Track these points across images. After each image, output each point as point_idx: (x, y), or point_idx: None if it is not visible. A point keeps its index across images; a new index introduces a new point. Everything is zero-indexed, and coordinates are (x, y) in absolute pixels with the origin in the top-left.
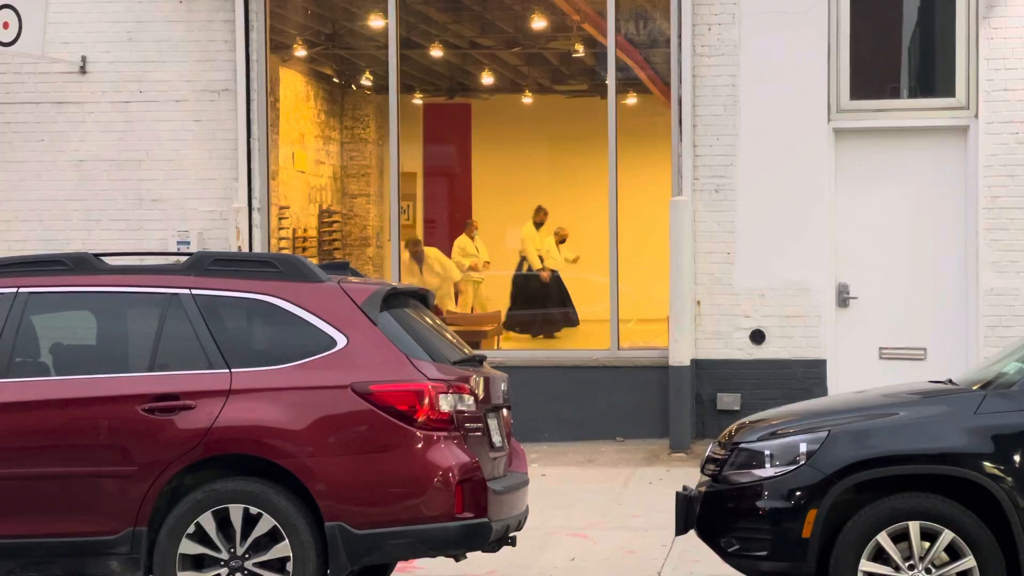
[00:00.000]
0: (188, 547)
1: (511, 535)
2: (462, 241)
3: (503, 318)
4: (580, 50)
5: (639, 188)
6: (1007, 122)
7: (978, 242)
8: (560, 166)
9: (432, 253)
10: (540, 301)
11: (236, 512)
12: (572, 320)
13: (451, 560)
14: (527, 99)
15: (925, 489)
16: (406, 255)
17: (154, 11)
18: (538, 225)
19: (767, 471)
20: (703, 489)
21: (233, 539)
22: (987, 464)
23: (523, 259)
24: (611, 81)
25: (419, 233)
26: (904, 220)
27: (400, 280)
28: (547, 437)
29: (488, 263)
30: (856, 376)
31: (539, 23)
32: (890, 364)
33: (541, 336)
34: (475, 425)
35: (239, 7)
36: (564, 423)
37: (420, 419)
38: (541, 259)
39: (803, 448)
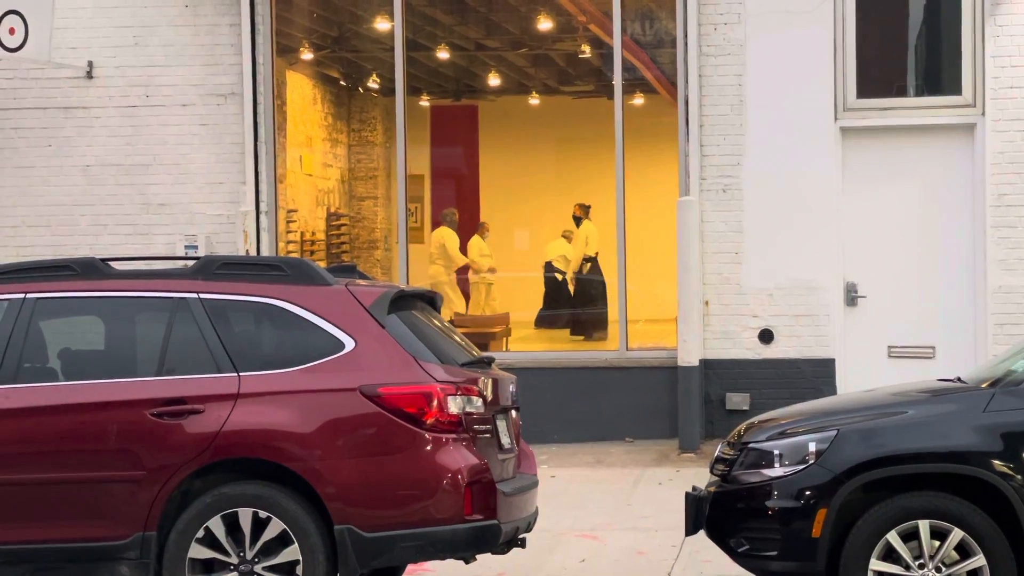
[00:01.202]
0: (198, 551)
1: (521, 537)
2: (477, 242)
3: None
4: (586, 51)
5: (646, 188)
6: (1014, 119)
7: (986, 240)
8: (567, 167)
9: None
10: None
11: (245, 516)
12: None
13: (461, 562)
14: (534, 100)
15: (935, 488)
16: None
17: (159, 16)
18: (578, 220)
19: (776, 471)
20: (712, 489)
21: (243, 543)
22: (996, 462)
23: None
24: (617, 82)
25: (426, 236)
26: (912, 218)
27: (408, 281)
28: (556, 438)
29: (493, 269)
30: (865, 375)
31: (545, 24)
32: (899, 363)
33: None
34: (484, 427)
35: (245, 11)
36: (573, 424)
37: (429, 421)
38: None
39: (812, 447)
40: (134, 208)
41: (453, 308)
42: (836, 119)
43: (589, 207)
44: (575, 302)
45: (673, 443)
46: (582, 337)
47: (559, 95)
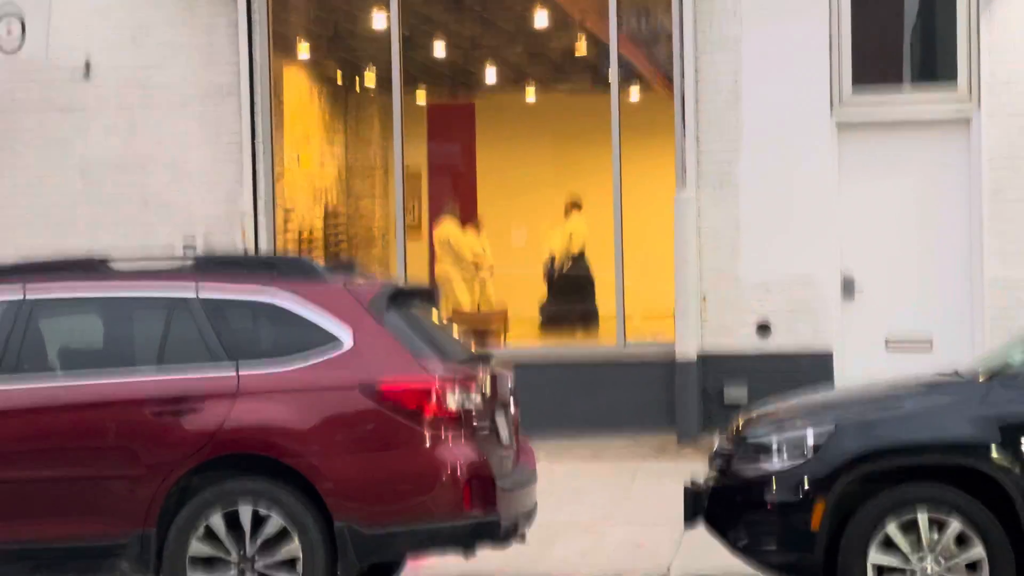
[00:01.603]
0: (197, 548)
1: (520, 531)
2: (470, 239)
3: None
4: (582, 47)
5: (643, 183)
6: (1010, 113)
7: (982, 232)
8: (564, 163)
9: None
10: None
11: (245, 512)
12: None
13: (461, 557)
14: (530, 97)
15: (933, 480)
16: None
17: (156, 15)
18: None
19: (775, 464)
20: (711, 483)
21: (242, 539)
22: (994, 453)
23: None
24: (613, 77)
25: (424, 231)
26: (908, 211)
27: (406, 277)
28: (555, 433)
29: (491, 266)
30: (862, 368)
31: (541, 20)
32: (896, 355)
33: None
34: (483, 422)
35: (241, 9)
36: (572, 418)
37: (428, 417)
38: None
39: (810, 440)
40: (132, 207)
41: (456, 304)
42: (832, 113)
43: (580, 204)
44: (558, 297)
45: (671, 436)
46: (566, 332)
47: (555, 91)
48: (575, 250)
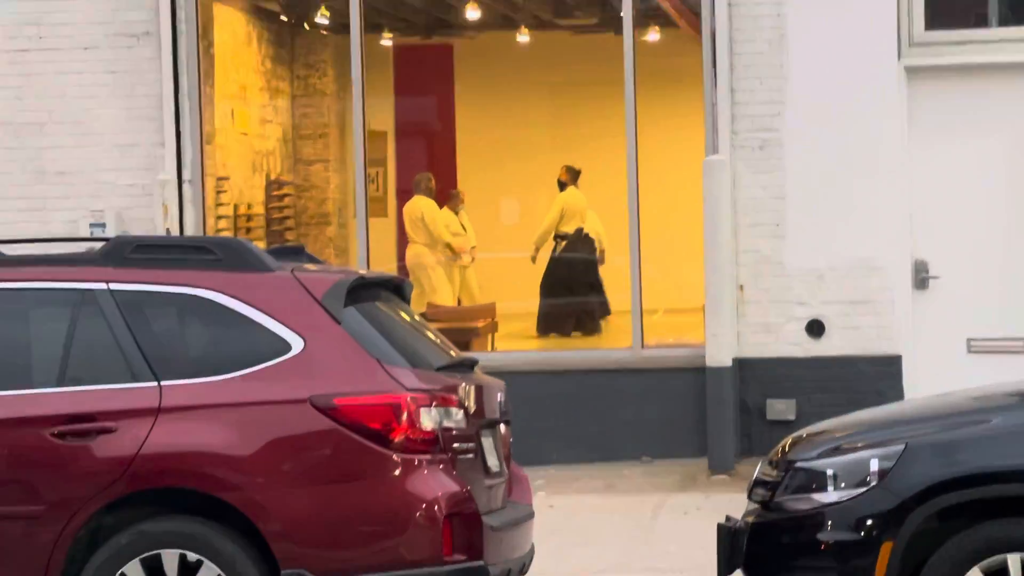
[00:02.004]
0: None
1: None
2: (448, 216)
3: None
4: None
5: (665, 146)
6: None
7: None
8: (565, 120)
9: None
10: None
11: (170, 559)
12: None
13: None
14: (523, 37)
15: None
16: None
17: None
18: (562, 186)
19: (830, 495)
20: (751, 520)
21: None
22: None
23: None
24: (627, 13)
25: (391, 207)
26: (996, 180)
27: (368, 264)
28: (556, 458)
29: (474, 248)
30: (939, 375)
31: None
32: (981, 359)
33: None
34: (466, 445)
35: None
36: (576, 440)
37: (397, 439)
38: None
39: (874, 466)
40: (25, 177)
41: (435, 297)
42: (900, 57)
43: (579, 172)
44: (558, 290)
45: (701, 462)
46: (569, 332)
47: (554, 30)
48: (568, 230)
